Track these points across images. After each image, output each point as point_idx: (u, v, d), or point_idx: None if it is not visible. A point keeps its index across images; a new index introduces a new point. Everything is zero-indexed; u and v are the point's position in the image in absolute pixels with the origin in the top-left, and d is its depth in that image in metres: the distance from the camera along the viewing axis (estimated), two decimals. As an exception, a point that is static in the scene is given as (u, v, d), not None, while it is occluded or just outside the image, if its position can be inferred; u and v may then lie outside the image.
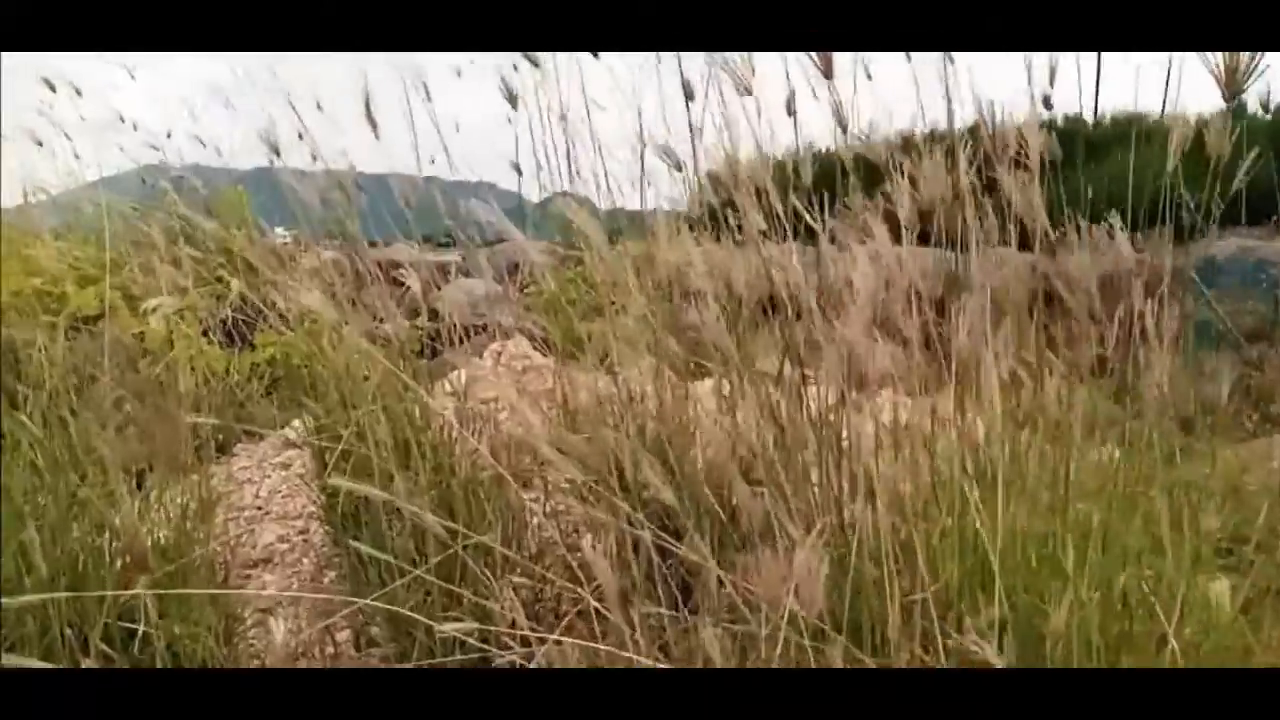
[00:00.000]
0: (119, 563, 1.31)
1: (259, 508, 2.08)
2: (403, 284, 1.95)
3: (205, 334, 2.69)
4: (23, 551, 1.31)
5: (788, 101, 1.41)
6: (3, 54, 1.34)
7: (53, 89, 2.45)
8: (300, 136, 1.79)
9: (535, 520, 1.54)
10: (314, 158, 1.84)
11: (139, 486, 2.25)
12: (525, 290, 3.14)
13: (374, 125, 1.70)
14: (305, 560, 1.88)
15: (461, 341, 2.55)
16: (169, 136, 2.82)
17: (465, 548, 1.32)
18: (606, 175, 1.93)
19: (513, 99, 1.79)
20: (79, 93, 2.49)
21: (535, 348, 2.59)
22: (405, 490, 1.42)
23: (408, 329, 1.93)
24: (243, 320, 2.77)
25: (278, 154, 1.74)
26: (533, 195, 2.15)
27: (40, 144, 2.66)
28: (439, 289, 3.59)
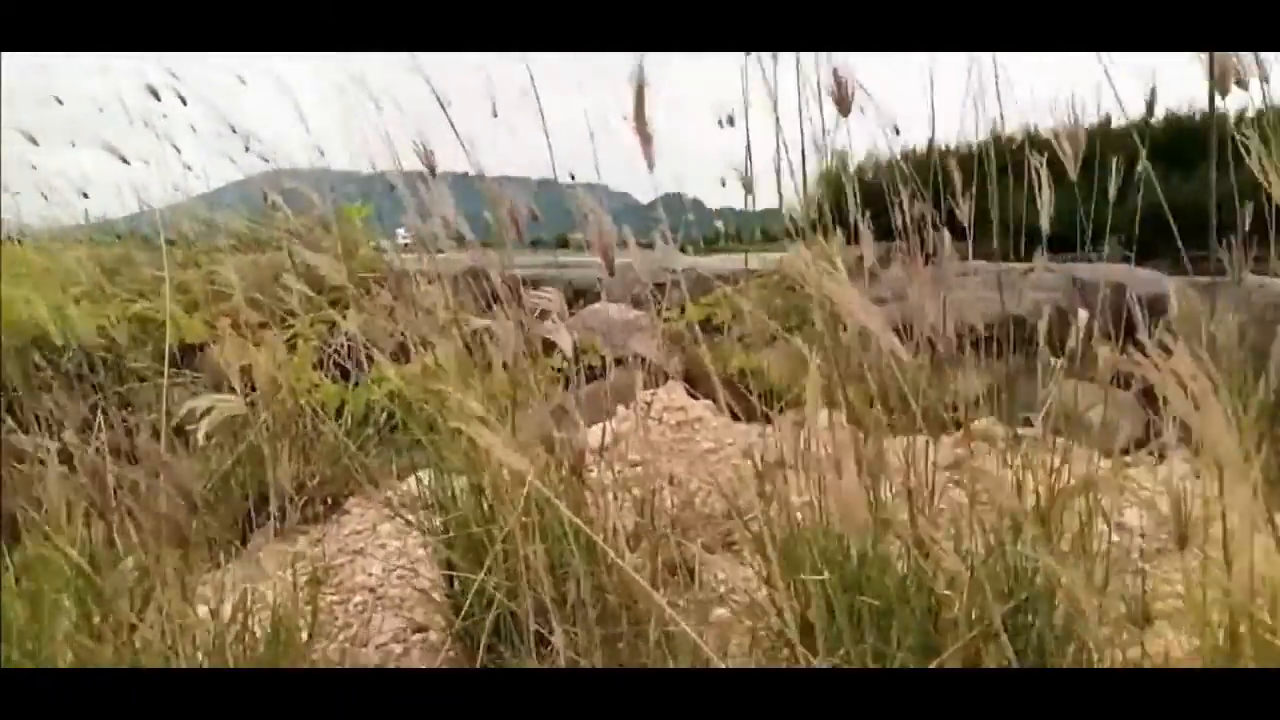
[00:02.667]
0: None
1: (371, 589, 1.75)
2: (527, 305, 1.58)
3: (317, 366, 2.41)
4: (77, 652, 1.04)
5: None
6: (5, 54, 1.23)
7: (158, 97, 2.20)
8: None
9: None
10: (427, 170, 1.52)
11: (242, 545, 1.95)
12: (666, 317, 2.75)
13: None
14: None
15: (602, 375, 2.18)
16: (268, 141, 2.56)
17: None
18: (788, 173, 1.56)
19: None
20: (183, 101, 2.23)
21: (691, 393, 2.17)
22: (564, 642, 1.04)
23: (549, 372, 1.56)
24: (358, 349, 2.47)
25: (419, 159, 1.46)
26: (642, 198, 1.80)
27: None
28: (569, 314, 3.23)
